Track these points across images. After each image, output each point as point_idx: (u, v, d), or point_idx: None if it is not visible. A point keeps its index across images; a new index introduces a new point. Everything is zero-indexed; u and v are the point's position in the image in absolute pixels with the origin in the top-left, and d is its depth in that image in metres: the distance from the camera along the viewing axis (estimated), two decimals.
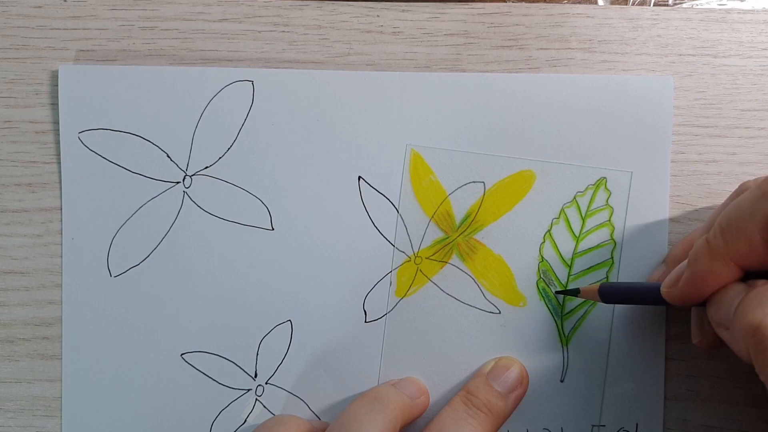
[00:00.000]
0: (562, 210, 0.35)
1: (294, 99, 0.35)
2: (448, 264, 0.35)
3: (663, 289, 0.30)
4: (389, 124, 0.35)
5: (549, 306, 0.35)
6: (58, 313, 0.36)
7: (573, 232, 0.35)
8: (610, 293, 0.32)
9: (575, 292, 0.34)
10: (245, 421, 0.35)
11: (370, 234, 0.35)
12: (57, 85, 0.36)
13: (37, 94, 0.36)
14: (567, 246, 0.35)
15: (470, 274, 0.35)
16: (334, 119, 0.35)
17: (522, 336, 0.35)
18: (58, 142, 0.36)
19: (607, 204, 0.35)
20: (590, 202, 0.35)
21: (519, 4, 0.36)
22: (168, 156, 0.36)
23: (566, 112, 0.35)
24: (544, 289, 0.35)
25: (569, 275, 0.35)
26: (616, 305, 0.35)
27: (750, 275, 0.27)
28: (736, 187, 0.32)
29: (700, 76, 0.35)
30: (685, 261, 0.28)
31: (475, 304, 0.35)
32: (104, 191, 0.36)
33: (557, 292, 0.35)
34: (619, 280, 0.35)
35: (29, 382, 0.36)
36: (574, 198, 0.35)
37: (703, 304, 0.29)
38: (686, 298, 0.29)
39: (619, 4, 0.36)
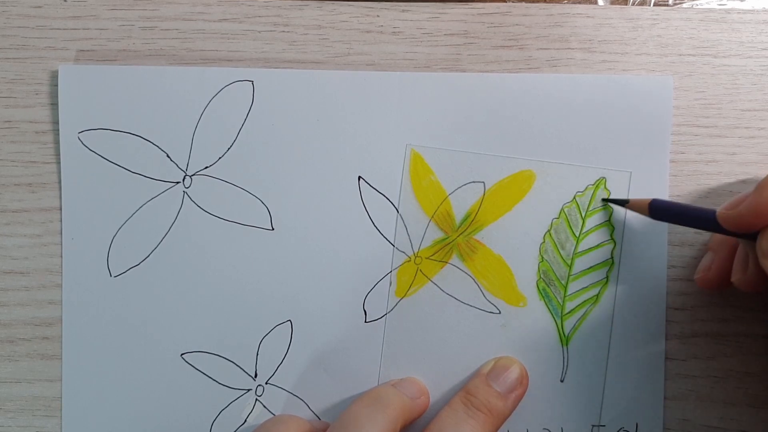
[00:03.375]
0: (562, 210, 0.35)
1: (294, 99, 0.35)
2: (448, 264, 0.35)
3: (720, 211, 0.29)
4: (389, 124, 0.35)
5: (549, 306, 0.35)
6: (58, 313, 0.36)
7: (573, 231, 0.35)
8: (661, 209, 0.32)
9: (623, 203, 0.34)
10: (245, 421, 0.35)
11: (370, 234, 0.35)
12: (57, 85, 0.36)
13: (37, 94, 0.36)
14: (567, 246, 0.35)
15: (470, 274, 0.35)
16: (334, 119, 0.35)
17: (522, 336, 0.35)
18: (58, 142, 0.36)
19: (606, 204, 0.35)
20: (590, 201, 0.35)
21: (519, 4, 0.36)
22: (168, 156, 0.36)
23: (566, 112, 0.35)
24: (544, 289, 0.35)
25: (569, 275, 0.35)
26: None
27: None
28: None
29: (700, 76, 0.35)
30: (748, 191, 0.28)
31: (475, 304, 0.35)
32: (104, 191, 0.36)
33: (604, 200, 0.35)
34: (619, 280, 0.35)
35: (29, 382, 0.36)
36: (574, 198, 0.35)
37: (754, 237, 0.28)
38: (742, 223, 0.28)
39: (619, 4, 0.36)
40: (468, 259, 0.35)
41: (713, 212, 0.30)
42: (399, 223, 0.35)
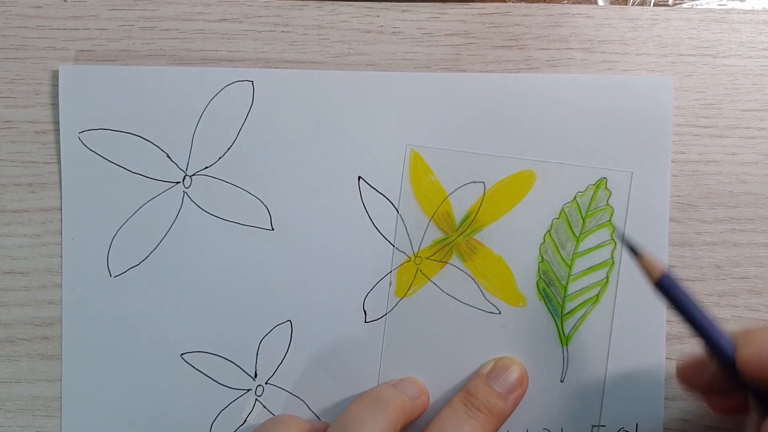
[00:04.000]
0: (563, 210, 0.35)
1: (294, 99, 0.35)
2: (448, 264, 0.35)
3: (743, 353, 0.26)
4: (389, 124, 0.35)
5: (549, 306, 0.35)
6: (58, 313, 0.36)
7: (573, 232, 0.35)
8: (669, 290, 0.28)
9: (638, 255, 0.29)
10: (245, 421, 0.35)
11: (370, 234, 0.35)
12: (57, 85, 0.36)
13: (37, 94, 0.36)
14: (567, 246, 0.35)
15: (470, 274, 0.35)
16: (334, 119, 0.35)
17: (522, 336, 0.35)
18: (58, 142, 0.36)
19: (607, 204, 0.35)
20: (590, 202, 0.35)
21: (519, 4, 0.36)
22: (168, 156, 0.36)
23: (566, 112, 0.35)
24: (544, 289, 0.35)
25: (569, 275, 0.35)
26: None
27: None
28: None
29: (700, 76, 0.35)
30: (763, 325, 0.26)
31: (475, 304, 0.35)
32: (104, 191, 0.36)
33: (624, 241, 0.30)
34: (619, 280, 0.35)
35: (29, 382, 0.36)
36: (575, 198, 0.35)
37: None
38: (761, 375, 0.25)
39: (619, 4, 0.36)
40: (468, 259, 0.35)
41: (731, 347, 0.25)
42: (399, 223, 0.35)
